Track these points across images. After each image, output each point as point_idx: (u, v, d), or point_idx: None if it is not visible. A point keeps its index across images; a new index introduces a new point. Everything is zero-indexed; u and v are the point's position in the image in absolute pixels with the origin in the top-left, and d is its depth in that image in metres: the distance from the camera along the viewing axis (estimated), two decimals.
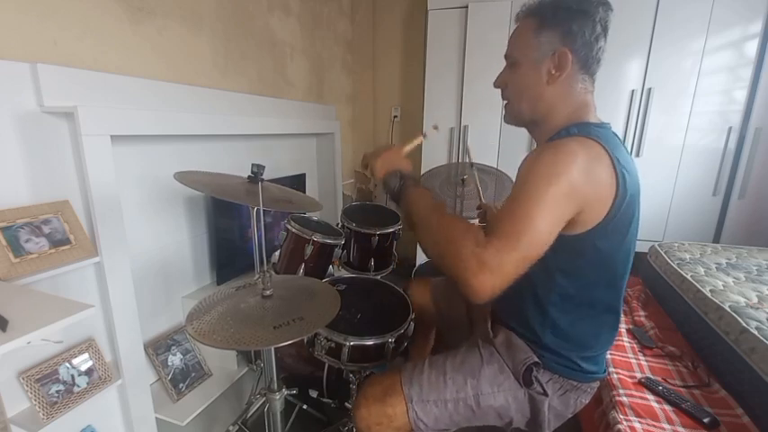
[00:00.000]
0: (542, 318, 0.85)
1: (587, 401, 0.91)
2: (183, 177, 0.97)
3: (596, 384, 0.91)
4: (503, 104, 0.90)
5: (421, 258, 2.74)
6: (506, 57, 0.85)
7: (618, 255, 0.78)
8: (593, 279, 0.80)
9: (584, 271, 0.78)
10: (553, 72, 0.77)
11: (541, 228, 0.66)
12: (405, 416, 0.88)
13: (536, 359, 0.86)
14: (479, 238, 0.67)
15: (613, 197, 0.71)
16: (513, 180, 1.85)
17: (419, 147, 1.13)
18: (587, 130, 0.75)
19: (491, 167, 1.88)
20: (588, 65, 0.78)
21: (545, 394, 0.86)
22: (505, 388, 0.88)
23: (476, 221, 1.41)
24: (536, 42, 0.78)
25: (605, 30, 0.76)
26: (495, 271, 0.64)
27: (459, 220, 0.74)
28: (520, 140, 2.36)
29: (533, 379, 0.86)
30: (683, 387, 1.19)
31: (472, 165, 1.61)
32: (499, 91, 0.90)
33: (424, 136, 1.07)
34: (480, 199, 1.45)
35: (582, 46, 0.75)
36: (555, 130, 0.81)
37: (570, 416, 0.91)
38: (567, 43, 0.75)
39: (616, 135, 0.81)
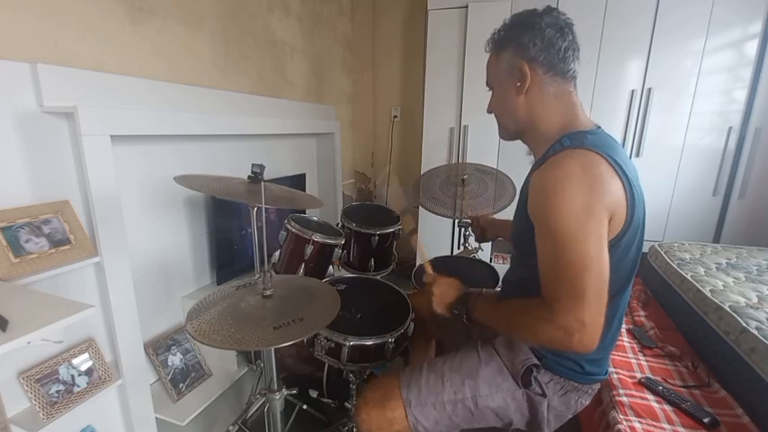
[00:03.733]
0: None
1: (588, 402, 0.91)
2: (184, 180, 0.97)
3: (597, 386, 0.91)
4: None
5: (421, 258, 2.73)
6: (487, 85, 0.94)
7: (626, 260, 0.78)
8: None
9: None
10: (518, 84, 0.83)
11: (594, 265, 0.66)
12: (404, 420, 0.88)
13: (535, 361, 0.86)
14: (544, 313, 0.69)
15: (626, 201, 0.71)
16: (516, 190, 1.84)
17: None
18: (581, 140, 0.75)
19: (491, 168, 1.88)
20: (554, 65, 0.80)
21: (543, 395, 0.86)
22: (503, 389, 0.89)
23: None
24: (498, 65, 0.87)
25: (561, 30, 0.79)
26: (580, 328, 0.65)
27: (520, 309, 0.77)
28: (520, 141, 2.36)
29: (532, 380, 0.86)
30: (683, 387, 1.19)
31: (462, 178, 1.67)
32: None
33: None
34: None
35: (538, 52, 0.80)
36: (547, 139, 0.82)
37: (571, 416, 0.91)
38: (522, 56, 0.81)
39: (611, 137, 0.81)
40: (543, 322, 0.69)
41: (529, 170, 0.85)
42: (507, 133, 0.93)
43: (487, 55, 0.91)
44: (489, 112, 0.95)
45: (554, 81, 0.81)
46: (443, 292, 0.94)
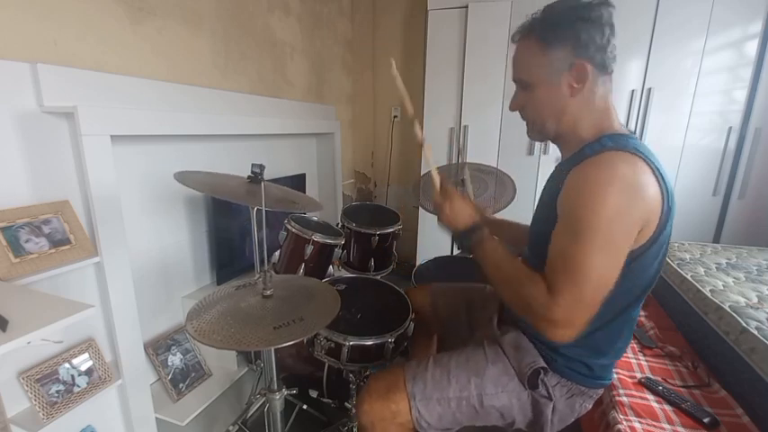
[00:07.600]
0: None
1: (590, 406, 0.91)
2: (183, 177, 0.97)
3: (602, 390, 0.90)
4: (525, 124, 0.88)
5: (421, 258, 2.74)
6: (516, 80, 0.83)
7: (649, 270, 0.76)
8: (622, 290, 0.75)
9: (616, 283, 0.74)
10: (575, 85, 0.75)
11: (602, 272, 0.66)
12: (408, 413, 0.87)
13: (543, 364, 0.86)
14: (542, 297, 0.69)
15: (660, 209, 0.69)
16: (517, 188, 1.84)
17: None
18: (624, 143, 0.71)
19: (491, 167, 1.88)
20: (606, 66, 0.75)
21: (549, 398, 0.86)
22: (509, 389, 0.88)
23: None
24: (547, 61, 0.76)
25: (612, 27, 0.74)
26: (566, 325, 0.68)
27: (524, 279, 0.74)
28: (520, 141, 2.35)
29: (539, 382, 0.86)
30: (683, 387, 1.19)
31: (461, 178, 1.72)
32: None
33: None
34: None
35: (596, 51, 0.73)
36: (583, 140, 0.79)
37: (573, 420, 0.91)
38: (580, 54, 0.73)
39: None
40: (538, 306, 0.69)
41: (554, 168, 0.83)
42: (544, 135, 0.85)
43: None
44: (513, 110, 0.86)
45: (604, 82, 0.76)
46: (457, 212, 0.87)
